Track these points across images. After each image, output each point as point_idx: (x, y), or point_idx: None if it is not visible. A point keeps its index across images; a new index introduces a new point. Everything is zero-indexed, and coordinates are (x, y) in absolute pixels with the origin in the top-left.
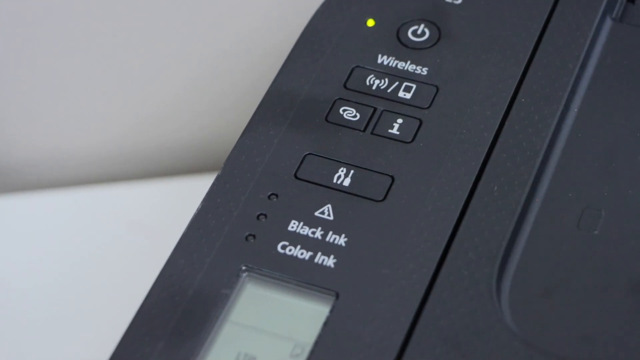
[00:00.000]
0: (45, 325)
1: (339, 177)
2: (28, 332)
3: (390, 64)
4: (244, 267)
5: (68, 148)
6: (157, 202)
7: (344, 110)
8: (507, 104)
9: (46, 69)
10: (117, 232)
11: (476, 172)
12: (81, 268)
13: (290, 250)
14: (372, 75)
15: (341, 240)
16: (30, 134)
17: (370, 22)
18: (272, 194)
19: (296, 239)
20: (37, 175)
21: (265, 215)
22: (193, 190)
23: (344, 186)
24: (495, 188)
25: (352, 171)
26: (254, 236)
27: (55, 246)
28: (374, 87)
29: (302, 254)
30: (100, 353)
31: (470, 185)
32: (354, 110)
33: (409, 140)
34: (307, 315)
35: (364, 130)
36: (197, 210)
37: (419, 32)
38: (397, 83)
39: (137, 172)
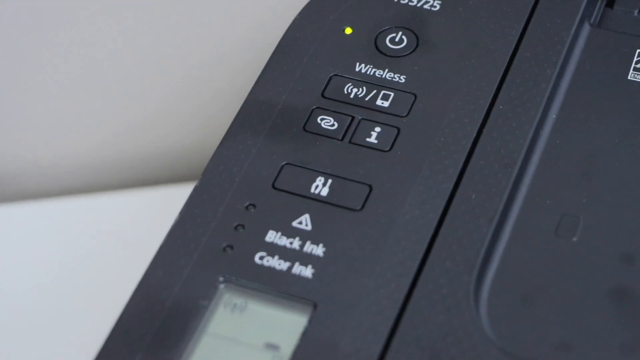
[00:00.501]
0: (24, 332)
1: (317, 186)
2: (8, 339)
3: (368, 72)
4: (221, 278)
5: (47, 158)
6: (138, 211)
7: (321, 119)
8: (485, 111)
9: (28, 78)
10: (97, 242)
11: (454, 180)
12: (61, 278)
13: (268, 260)
14: (350, 84)
15: (319, 250)
16: (10, 144)
17: (348, 30)
18: (250, 204)
19: (274, 250)
20: (18, 186)
21: (243, 226)
22: (174, 199)
23: (322, 196)
24: (473, 196)
25: (330, 180)
26: (231, 247)
27: (36, 256)
28: (352, 96)
29: (279, 264)
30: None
31: (449, 193)
32: (332, 119)
33: (387, 148)
34: (286, 325)
35: (342, 139)
36: (175, 221)
37: (397, 39)
38: (375, 91)
39: (118, 182)
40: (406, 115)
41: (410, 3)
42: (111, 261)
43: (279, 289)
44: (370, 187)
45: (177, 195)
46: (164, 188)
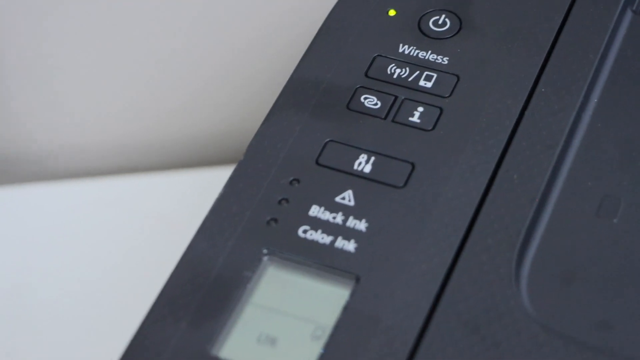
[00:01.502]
0: (66, 314)
1: (360, 163)
2: (50, 322)
3: (411, 53)
4: (265, 251)
5: (90, 139)
6: (178, 193)
7: (365, 98)
8: (527, 94)
9: (68, 61)
10: (137, 223)
11: (496, 160)
12: (101, 258)
13: (311, 234)
14: (393, 64)
15: (362, 225)
16: (51, 125)
17: (392, 12)
18: (293, 180)
19: (317, 224)
20: (58, 166)
21: (287, 200)
22: (213, 182)
23: (365, 172)
24: (515, 176)
25: (373, 158)
26: (275, 220)
27: (76, 236)
28: (395, 76)
29: (322, 238)
30: (121, 338)
31: (490, 173)
32: (375, 99)
33: (430, 128)
34: (328, 298)
35: (385, 118)
36: (219, 194)
37: (440, 22)
38: (418, 72)
39: (159, 164)
40: (449, 96)
41: None
42: (151, 241)
43: (321, 262)
44: (413, 165)
45: (218, 178)
46: (205, 170)
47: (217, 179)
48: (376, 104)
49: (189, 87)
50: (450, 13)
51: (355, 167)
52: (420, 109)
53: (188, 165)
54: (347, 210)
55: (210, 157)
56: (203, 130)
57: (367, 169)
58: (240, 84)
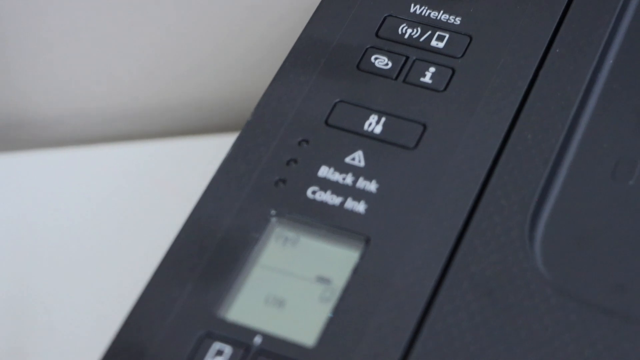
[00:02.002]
0: (70, 278)
1: (370, 124)
2: (55, 287)
3: (422, 13)
4: (273, 212)
5: (94, 105)
6: (183, 160)
7: (375, 59)
8: (541, 54)
9: (73, 25)
10: (142, 189)
11: (509, 121)
12: (107, 225)
13: (320, 195)
14: (404, 24)
15: (372, 187)
16: (56, 90)
17: None
18: (302, 140)
19: (326, 185)
20: (63, 132)
21: (296, 161)
22: (219, 149)
23: (375, 133)
24: (529, 137)
25: (383, 118)
26: (283, 181)
27: (81, 203)
28: (406, 36)
29: (332, 199)
30: (126, 302)
31: (504, 134)
32: (386, 59)
33: (442, 88)
34: (337, 259)
35: (396, 79)
36: (226, 155)
37: None
38: (429, 32)
39: (164, 130)
40: (461, 57)
41: None
42: (153, 209)
43: (331, 223)
44: (425, 125)
45: (219, 145)
46: (210, 137)
47: (224, 145)
48: (387, 64)
49: (195, 51)
50: None
51: (366, 127)
52: (432, 69)
53: (195, 131)
54: (357, 171)
55: (217, 124)
56: (210, 96)
57: (378, 129)
58: (247, 47)
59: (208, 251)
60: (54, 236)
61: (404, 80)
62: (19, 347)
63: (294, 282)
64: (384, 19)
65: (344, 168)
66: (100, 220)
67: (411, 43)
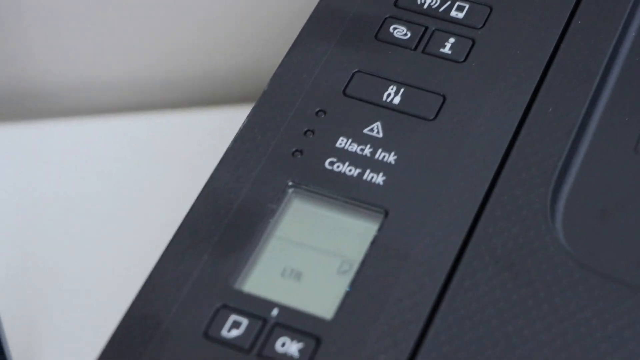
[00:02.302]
0: (79, 249)
1: (389, 95)
2: (67, 257)
3: None
4: (290, 183)
5: (111, 74)
6: (198, 131)
7: (394, 29)
8: (562, 26)
9: None
10: (155, 160)
11: (531, 93)
12: (118, 194)
13: (338, 166)
14: None
15: (391, 158)
16: (70, 59)
17: None
18: (320, 110)
19: (344, 156)
20: (77, 101)
21: (313, 132)
22: (234, 121)
23: (394, 104)
24: (551, 109)
25: (402, 89)
26: (301, 152)
27: (93, 173)
28: (425, 6)
29: (350, 170)
30: (138, 272)
31: (525, 106)
32: (405, 29)
33: (462, 59)
34: (355, 232)
35: (415, 49)
36: (242, 125)
37: None
38: (449, 2)
39: (179, 101)
40: (481, 27)
41: None
42: (165, 177)
43: (349, 195)
44: (444, 97)
45: (234, 117)
46: (225, 109)
47: (239, 116)
48: (405, 34)
49: (210, 21)
50: None
51: (384, 98)
52: (452, 40)
53: (210, 102)
54: (375, 143)
55: (232, 95)
56: (225, 66)
57: (397, 100)
58: (264, 17)
59: (224, 222)
60: (63, 207)
61: (423, 51)
62: (29, 315)
63: (311, 254)
64: None
65: (362, 139)
66: (113, 190)
67: (430, 13)
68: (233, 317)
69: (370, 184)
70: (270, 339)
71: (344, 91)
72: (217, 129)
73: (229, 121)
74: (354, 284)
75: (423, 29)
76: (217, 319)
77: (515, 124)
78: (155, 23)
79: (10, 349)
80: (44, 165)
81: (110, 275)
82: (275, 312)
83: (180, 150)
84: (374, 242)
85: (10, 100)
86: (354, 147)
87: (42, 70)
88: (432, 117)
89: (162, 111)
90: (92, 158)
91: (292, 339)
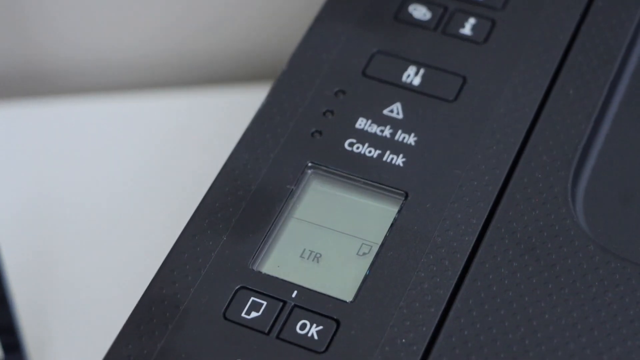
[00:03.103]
0: (93, 229)
1: (409, 75)
2: (78, 237)
3: None
4: (309, 164)
5: (126, 52)
6: (217, 109)
7: (414, 9)
8: (583, 7)
9: None
10: (173, 139)
11: (551, 75)
12: (136, 174)
13: (357, 147)
14: None
15: (411, 140)
16: (84, 37)
17: None
18: (339, 91)
19: (364, 137)
20: (93, 78)
21: (332, 112)
22: (253, 99)
23: (414, 85)
24: (571, 91)
25: (422, 70)
26: (320, 132)
27: (112, 148)
28: None
29: (370, 151)
30: (154, 255)
31: (545, 88)
32: (425, 9)
33: (482, 40)
34: (375, 214)
35: (435, 30)
36: (261, 105)
37: None
38: None
39: (198, 78)
40: (502, 8)
41: None
42: (184, 156)
43: (369, 176)
44: (464, 78)
45: (252, 95)
46: (244, 87)
47: (257, 95)
48: (425, 15)
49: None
50: None
51: (404, 79)
52: (472, 20)
53: (228, 80)
54: (395, 124)
55: (251, 73)
56: (243, 45)
57: (416, 81)
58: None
59: (243, 202)
60: (76, 186)
61: (443, 32)
62: (40, 309)
63: (330, 236)
64: None
65: (382, 120)
66: (131, 170)
67: None
68: (252, 299)
69: (390, 166)
70: (290, 321)
71: (363, 72)
72: (237, 108)
73: (247, 100)
74: (373, 266)
75: (443, 9)
76: (236, 300)
77: (536, 106)
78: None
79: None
80: (54, 145)
81: (131, 258)
82: (294, 294)
83: (199, 129)
84: (393, 225)
85: (19, 78)
86: (374, 128)
87: (53, 49)
88: (452, 99)
89: (180, 89)
90: (107, 137)
91: (312, 321)
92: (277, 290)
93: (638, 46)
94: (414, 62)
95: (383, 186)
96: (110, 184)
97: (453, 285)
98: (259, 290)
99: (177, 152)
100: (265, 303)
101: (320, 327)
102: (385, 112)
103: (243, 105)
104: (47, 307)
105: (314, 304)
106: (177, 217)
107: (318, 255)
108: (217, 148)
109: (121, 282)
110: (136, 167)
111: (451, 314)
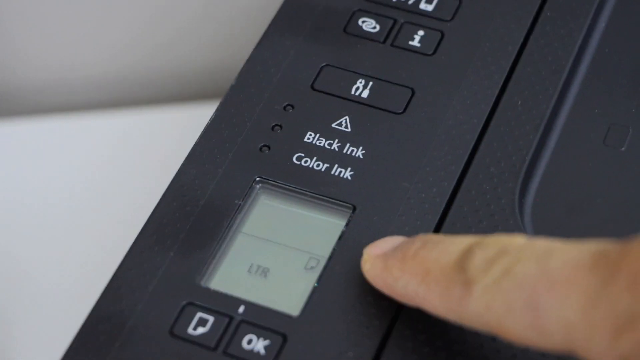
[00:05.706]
0: (54, 246)
1: (357, 88)
2: (40, 252)
3: None
4: (257, 178)
5: (78, 72)
6: (165, 127)
7: (363, 22)
8: (532, 18)
9: None
10: (123, 157)
11: (499, 86)
12: (86, 191)
13: (306, 161)
14: None
15: (359, 153)
16: (39, 56)
17: None
18: (287, 105)
19: (312, 151)
20: (45, 99)
21: (281, 126)
22: (202, 117)
23: (362, 98)
24: (519, 102)
25: (370, 83)
26: (268, 147)
27: (62, 170)
28: None
29: (318, 165)
30: (107, 269)
31: (494, 99)
32: (374, 22)
33: (430, 52)
34: (323, 228)
35: (384, 42)
36: (209, 120)
37: None
38: None
39: (147, 98)
40: (450, 20)
41: None
42: (133, 174)
43: (316, 190)
44: (413, 90)
45: (201, 113)
46: (192, 105)
47: (207, 113)
48: (374, 27)
49: (178, 18)
50: None
51: (353, 92)
52: (421, 32)
53: (178, 99)
54: (343, 137)
55: (200, 92)
56: (193, 63)
57: (365, 94)
58: (231, 13)
59: (190, 218)
60: (34, 205)
61: (391, 44)
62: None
63: (278, 250)
64: None
65: (330, 134)
66: (82, 187)
67: (399, 6)
68: (199, 315)
69: (338, 179)
70: (237, 336)
71: (312, 85)
72: (186, 126)
73: (197, 117)
74: (321, 280)
75: (392, 22)
76: (183, 316)
77: (484, 117)
78: (126, 20)
79: None
80: (15, 163)
81: (81, 273)
82: (241, 309)
83: (148, 146)
84: (341, 238)
85: None
86: (322, 142)
87: (12, 70)
88: (400, 111)
89: (130, 108)
90: (63, 155)
91: (259, 336)
92: (224, 306)
93: (586, 57)
94: (362, 75)
95: (331, 200)
96: (64, 200)
97: None
98: (206, 305)
99: (130, 169)
100: (212, 318)
101: (267, 342)
102: (334, 125)
103: (198, 122)
104: (3, 322)
105: (261, 318)
106: (128, 233)
107: (266, 269)
108: (170, 165)
109: (74, 298)
110: (90, 184)
111: (396, 327)
